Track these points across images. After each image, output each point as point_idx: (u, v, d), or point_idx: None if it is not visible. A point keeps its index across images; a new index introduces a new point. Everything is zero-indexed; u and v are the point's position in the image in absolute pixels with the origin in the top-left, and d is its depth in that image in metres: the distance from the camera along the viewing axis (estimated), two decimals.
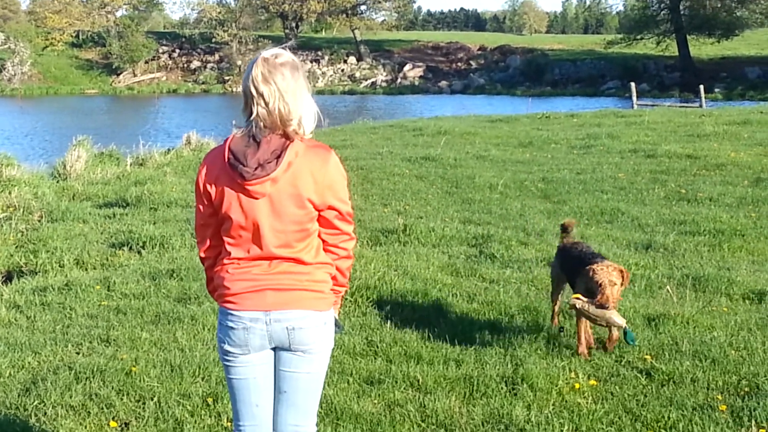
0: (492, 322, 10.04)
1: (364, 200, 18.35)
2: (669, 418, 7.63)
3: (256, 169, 4.87)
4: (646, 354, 9.08)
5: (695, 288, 11.62)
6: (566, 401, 8.05)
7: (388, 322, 10.19)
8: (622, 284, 8.73)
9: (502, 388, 8.29)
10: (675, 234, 14.83)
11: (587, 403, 8.02)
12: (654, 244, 14.10)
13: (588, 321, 8.93)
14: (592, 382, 8.46)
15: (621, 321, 8.64)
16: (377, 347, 9.33)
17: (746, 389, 8.24)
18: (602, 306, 8.54)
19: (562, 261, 9.82)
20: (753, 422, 7.40)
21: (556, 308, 10.04)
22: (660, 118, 31.91)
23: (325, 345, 5.19)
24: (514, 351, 9.17)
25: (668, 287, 11.41)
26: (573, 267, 9.33)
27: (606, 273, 8.65)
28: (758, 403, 7.83)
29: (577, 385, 8.34)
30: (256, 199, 4.93)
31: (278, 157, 4.87)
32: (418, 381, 8.42)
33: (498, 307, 10.69)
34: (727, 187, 19.09)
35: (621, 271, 8.75)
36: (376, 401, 8.00)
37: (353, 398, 8.00)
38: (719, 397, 8.06)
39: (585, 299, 8.64)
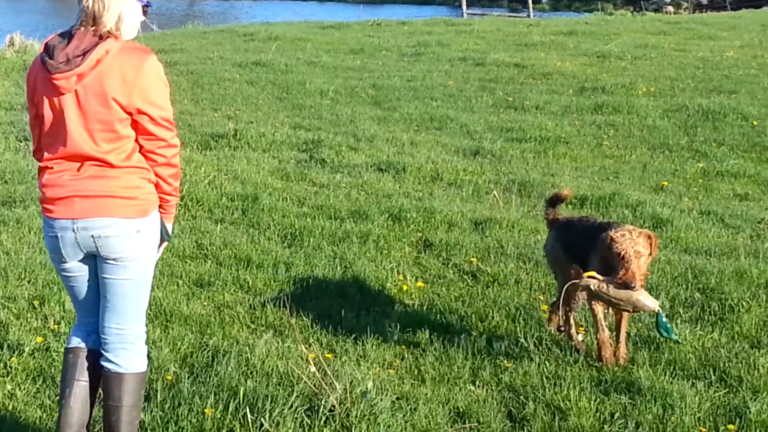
0: (322, 226, 10.10)
1: (194, 105, 18.13)
2: (493, 318, 7.85)
3: (62, 62, 4.79)
4: (473, 257, 9.29)
5: (521, 193, 11.89)
6: (394, 302, 8.19)
7: (218, 225, 10.16)
8: (650, 254, 6.71)
9: (331, 289, 8.38)
10: (502, 141, 15.10)
11: (415, 304, 8.18)
12: (482, 150, 14.33)
13: (607, 307, 6.90)
14: (420, 284, 8.62)
15: (653, 304, 6.61)
16: (207, 250, 9.31)
17: None
18: (626, 285, 6.51)
19: (565, 239, 7.47)
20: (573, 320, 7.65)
21: (568, 310, 7.37)
22: (489, 27, 32.25)
23: (140, 253, 5.07)
24: (344, 254, 9.27)
25: (495, 192, 11.65)
26: (583, 244, 7.10)
27: (630, 240, 6.57)
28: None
29: (405, 287, 8.49)
30: (63, 94, 4.84)
31: (87, 53, 4.80)
32: (248, 283, 8.45)
33: (328, 211, 10.76)
34: (553, 95, 19.47)
35: (649, 237, 6.68)
36: (206, 303, 8.01)
37: (183, 300, 7.98)
38: (541, 297, 8.32)
39: (601, 278, 6.60)
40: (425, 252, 9.56)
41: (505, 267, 9.02)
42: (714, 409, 6.20)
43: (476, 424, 6.05)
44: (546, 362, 6.96)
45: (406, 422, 5.93)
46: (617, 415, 6.16)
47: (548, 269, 8.19)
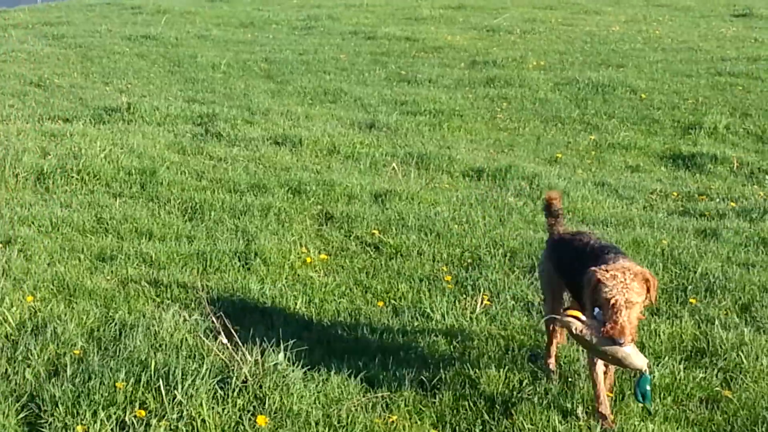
0: (222, 200, 10.04)
1: (84, 78, 17.83)
2: (398, 288, 7.90)
3: None
4: (374, 229, 9.33)
5: (418, 166, 11.96)
6: (299, 275, 8.20)
7: (117, 199, 10.04)
8: (647, 299, 5.54)
9: (235, 263, 8.35)
10: (397, 114, 15.15)
11: (319, 276, 8.20)
12: (377, 123, 14.37)
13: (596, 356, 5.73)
14: (323, 256, 8.64)
15: (641, 363, 5.46)
16: (107, 224, 9.19)
17: (469, 260, 8.61)
18: (613, 340, 5.39)
19: (559, 260, 6.40)
20: (478, 291, 7.76)
21: (556, 337, 6.51)
22: (378, 1, 32.22)
23: None
24: (246, 227, 9.23)
25: (394, 165, 11.71)
26: (577, 269, 5.87)
27: (620, 285, 5.41)
28: (481, 273, 8.22)
29: (308, 260, 8.49)
30: None
31: None
32: (151, 257, 8.37)
33: (227, 184, 10.71)
34: (445, 69, 19.58)
35: (646, 280, 5.50)
36: (109, 277, 7.91)
37: (86, 275, 7.87)
38: (444, 268, 8.40)
39: (586, 321, 5.52)
40: (327, 224, 9.58)
41: (407, 239, 9.08)
42: (619, 374, 6.33)
43: (387, 393, 6.09)
44: (452, 332, 7.04)
45: (318, 392, 5.94)
46: (526, 382, 6.26)
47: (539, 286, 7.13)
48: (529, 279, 8.13)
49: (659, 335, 6.94)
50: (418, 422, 5.79)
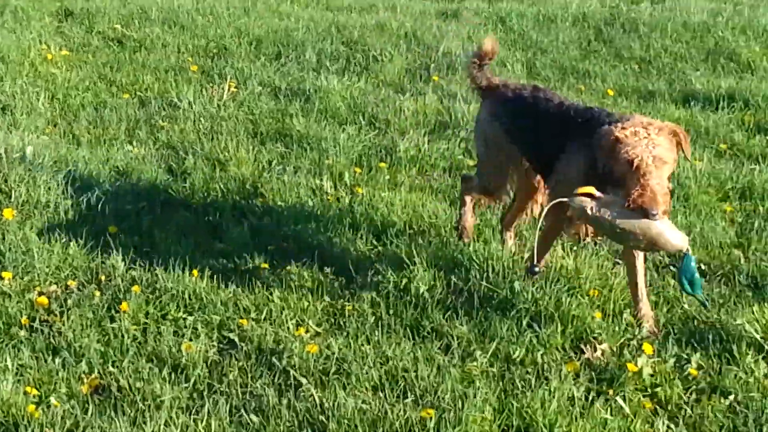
0: None
1: None
2: (144, 80, 7.79)
3: None
4: (116, 23, 9.13)
5: None
6: (40, 72, 7.97)
7: None
8: (685, 158, 4.63)
9: None
10: None
11: (62, 72, 7.98)
12: None
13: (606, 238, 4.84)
14: (65, 52, 8.42)
15: (681, 240, 4.30)
16: None
17: (215, 51, 8.57)
18: (645, 211, 4.18)
19: (511, 121, 5.08)
20: (224, 79, 7.74)
21: (514, 221, 5.40)
22: None
23: None
24: None
25: None
26: (548, 135, 4.81)
27: (645, 141, 4.26)
28: (227, 62, 8.24)
29: (49, 56, 8.26)
30: None
31: None
32: None
33: None
34: None
35: (674, 134, 4.38)
36: None
37: None
38: (190, 59, 8.34)
39: (598, 195, 4.31)
40: (67, 21, 9.33)
41: (150, 32, 8.95)
42: (366, 150, 6.48)
43: (136, 180, 6.04)
44: (201, 119, 7.02)
45: (65, 181, 5.83)
46: (275, 162, 6.33)
47: (474, 152, 5.95)
48: (275, 66, 8.17)
49: (403, 111, 7.11)
50: (168, 207, 5.76)
